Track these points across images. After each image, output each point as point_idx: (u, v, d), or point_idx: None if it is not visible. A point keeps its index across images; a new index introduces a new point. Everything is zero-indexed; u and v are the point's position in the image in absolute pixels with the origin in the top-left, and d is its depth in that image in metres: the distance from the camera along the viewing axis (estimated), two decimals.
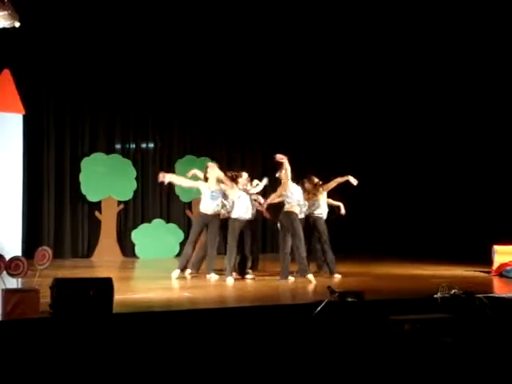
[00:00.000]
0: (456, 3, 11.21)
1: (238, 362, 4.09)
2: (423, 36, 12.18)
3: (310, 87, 13.37)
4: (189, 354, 4.33)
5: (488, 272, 9.41)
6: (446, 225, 11.54)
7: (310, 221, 9.18)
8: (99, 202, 11.71)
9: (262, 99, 13.10)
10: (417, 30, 12.14)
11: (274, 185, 9.09)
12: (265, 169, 12.93)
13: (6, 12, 7.91)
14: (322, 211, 9.28)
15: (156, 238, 11.81)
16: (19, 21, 8.49)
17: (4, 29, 8.50)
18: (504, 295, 7.41)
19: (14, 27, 8.61)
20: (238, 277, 8.49)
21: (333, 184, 9.25)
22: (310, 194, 9.18)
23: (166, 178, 8.72)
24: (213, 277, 8.46)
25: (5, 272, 6.37)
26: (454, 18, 11.48)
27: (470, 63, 11.62)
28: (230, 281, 8.17)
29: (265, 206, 9.18)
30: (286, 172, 8.36)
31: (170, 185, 11.70)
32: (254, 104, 13.03)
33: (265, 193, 9.59)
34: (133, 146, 12.39)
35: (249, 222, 8.63)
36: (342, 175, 9.18)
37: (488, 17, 11.01)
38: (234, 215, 8.44)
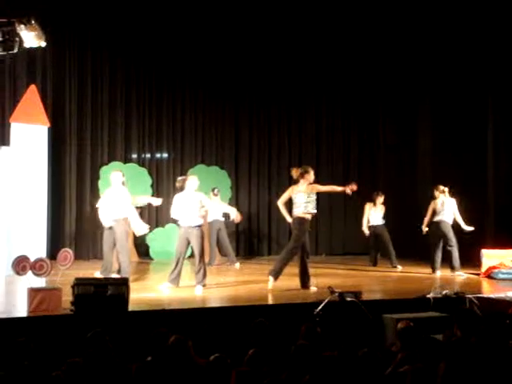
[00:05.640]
0: None
1: (244, 356, 4.09)
2: None
3: (315, 100, 13.34)
4: (198, 349, 4.33)
5: (477, 274, 9.38)
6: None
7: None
8: None
9: (267, 112, 13.08)
10: None
11: None
12: (269, 177, 12.96)
13: (33, 33, 7.96)
14: None
15: (168, 241, 11.78)
16: (44, 40, 8.56)
17: (31, 48, 8.57)
18: (492, 296, 7.40)
19: (40, 46, 8.69)
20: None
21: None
22: None
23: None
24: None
25: (30, 272, 6.40)
26: None
27: None
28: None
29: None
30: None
31: None
32: (258, 116, 13.02)
33: None
34: (148, 155, 12.42)
35: None
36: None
37: None
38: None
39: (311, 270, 7.99)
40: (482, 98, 11.17)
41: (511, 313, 6.09)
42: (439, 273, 9.51)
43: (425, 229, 9.78)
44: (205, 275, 7.70)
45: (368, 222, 10.78)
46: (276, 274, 7.70)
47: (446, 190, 9.67)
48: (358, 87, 13.16)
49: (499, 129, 11.02)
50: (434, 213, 9.66)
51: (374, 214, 10.74)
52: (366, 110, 13.42)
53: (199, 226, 7.84)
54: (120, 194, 8.34)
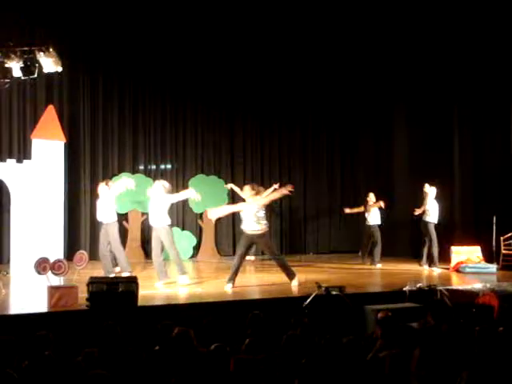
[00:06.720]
0: None
1: (242, 344, 4.08)
2: None
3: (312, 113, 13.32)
4: (200, 339, 4.32)
5: (447, 268, 9.42)
6: (413, 229, 11.41)
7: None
8: (126, 214, 11.69)
9: (260, 129, 13.08)
10: None
11: None
12: (263, 184, 12.95)
13: (51, 59, 7.98)
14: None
15: None
16: (61, 66, 8.57)
17: (49, 72, 8.57)
18: (460, 287, 7.43)
19: (57, 71, 8.70)
20: None
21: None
22: None
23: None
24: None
25: (50, 272, 6.39)
26: None
27: None
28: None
29: None
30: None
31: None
32: (252, 133, 13.03)
33: None
34: (153, 166, 12.41)
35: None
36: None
37: None
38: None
39: (301, 268, 7.98)
40: (449, 109, 11.30)
41: (477, 303, 6.13)
42: (426, 267, 9.56)
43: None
44: (181, 264, 7.75)
45: (366, 221, 10.71)
46: (292, 276, 7.59)
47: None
48: (338, 102, 13.19)
49: (464, 137, 11.12)
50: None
51: (371, 215, 10.61)
52: (345, 120, 13.38)
53: (166, 225, 7.76)
54: (108, 201, 8.37)
